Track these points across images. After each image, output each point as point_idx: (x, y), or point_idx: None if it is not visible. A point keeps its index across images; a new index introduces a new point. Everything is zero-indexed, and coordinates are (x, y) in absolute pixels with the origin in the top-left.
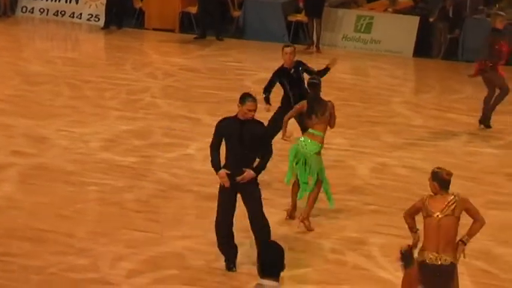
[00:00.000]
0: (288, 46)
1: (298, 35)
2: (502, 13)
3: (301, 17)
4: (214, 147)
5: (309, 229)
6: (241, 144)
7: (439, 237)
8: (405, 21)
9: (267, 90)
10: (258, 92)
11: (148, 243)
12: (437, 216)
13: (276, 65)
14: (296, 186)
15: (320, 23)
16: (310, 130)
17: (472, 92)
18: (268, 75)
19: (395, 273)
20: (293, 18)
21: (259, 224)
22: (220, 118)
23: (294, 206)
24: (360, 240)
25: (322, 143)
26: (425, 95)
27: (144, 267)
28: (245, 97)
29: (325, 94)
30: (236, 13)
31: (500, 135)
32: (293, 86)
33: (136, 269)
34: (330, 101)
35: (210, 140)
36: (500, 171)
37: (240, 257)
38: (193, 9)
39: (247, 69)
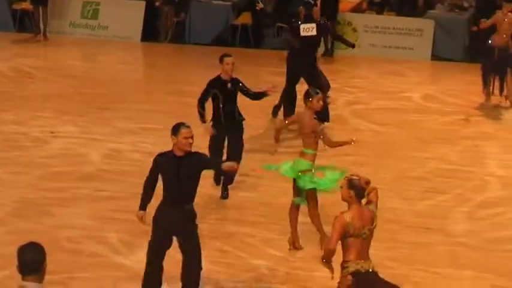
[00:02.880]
0: (229, 56)
1: (24, 23)
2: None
3: (26, 5)
4: (149, 184)
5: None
6: (179, 182)
7: (365, 247)
8: (131, 6)
9: (202, 103)
10: None
11: None
12: (365, 233)
13: None
14: (294, 210)
15: (46, 10)
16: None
17: (203, 72)
18: None
19: (131, 258)
20: (18, 6)
21: (192, 275)
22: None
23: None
24: (95, 227)
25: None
26: (156, 79)
27: None
28: (178, 126)
29: (53, 82)
30: None
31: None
32: (227, 101)
33: None
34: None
35: None
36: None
37: None
38: None
39: None
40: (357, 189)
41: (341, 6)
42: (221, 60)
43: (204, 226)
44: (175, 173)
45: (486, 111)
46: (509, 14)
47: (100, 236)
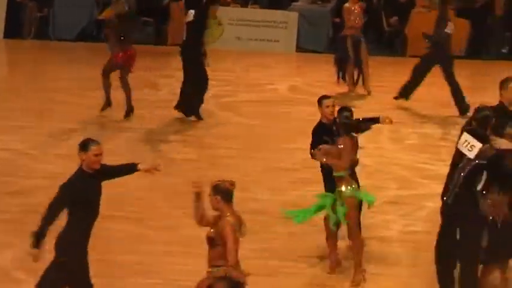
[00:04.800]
0: (328, 98)
1: None
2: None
3: None
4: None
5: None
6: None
7: None
8: None
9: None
10: None
11: None
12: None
13: None
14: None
15: None
16: None
17: (68, 68)
18: None
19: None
20: None
21: None
22: None
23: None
24: None
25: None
26: (20, 76)
27: None
28: (87, 143)
29: None
30: None
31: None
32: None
33: None
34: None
35: None
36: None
37: None
38: None
39: None
40: (223, 193)
41: None
42: (319, 102)
43: None
44: (98, 197)
45: (351, 101)
46: (356, 3)
47: None
